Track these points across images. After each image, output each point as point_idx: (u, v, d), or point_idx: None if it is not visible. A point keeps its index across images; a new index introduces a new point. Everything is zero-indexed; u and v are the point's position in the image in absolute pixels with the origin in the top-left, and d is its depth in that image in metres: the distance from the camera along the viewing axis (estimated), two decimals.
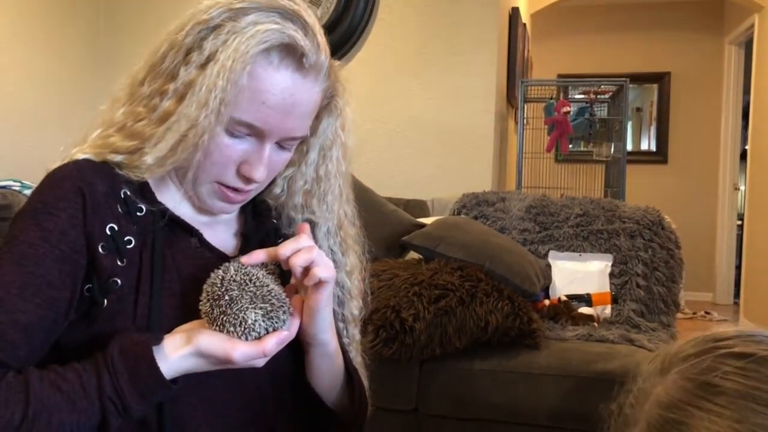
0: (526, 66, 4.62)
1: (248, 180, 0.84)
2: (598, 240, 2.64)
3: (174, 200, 0.88)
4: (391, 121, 3.48)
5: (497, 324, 2.07)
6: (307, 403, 0.91)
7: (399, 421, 2.15)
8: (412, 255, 2.52)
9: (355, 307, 1.00)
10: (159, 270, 0.80)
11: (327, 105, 0.91)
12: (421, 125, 3.43)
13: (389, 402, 2.13)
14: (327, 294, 0.81)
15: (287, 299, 0.77)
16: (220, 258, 0.84)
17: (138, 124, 0.83)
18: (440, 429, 2.12)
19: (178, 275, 0.82)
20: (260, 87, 0.78)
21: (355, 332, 1.01)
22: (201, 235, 0.86)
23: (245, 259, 0.78)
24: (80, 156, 0.84)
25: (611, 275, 2.56)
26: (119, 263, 0.79)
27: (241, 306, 0.73)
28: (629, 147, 5.62)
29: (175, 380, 0.75)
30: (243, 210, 0.95)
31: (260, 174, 0.83)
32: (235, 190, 0.85)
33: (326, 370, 0.89)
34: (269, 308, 0.74)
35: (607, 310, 2.47)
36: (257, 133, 0.81)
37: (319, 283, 0.79)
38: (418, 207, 3.02)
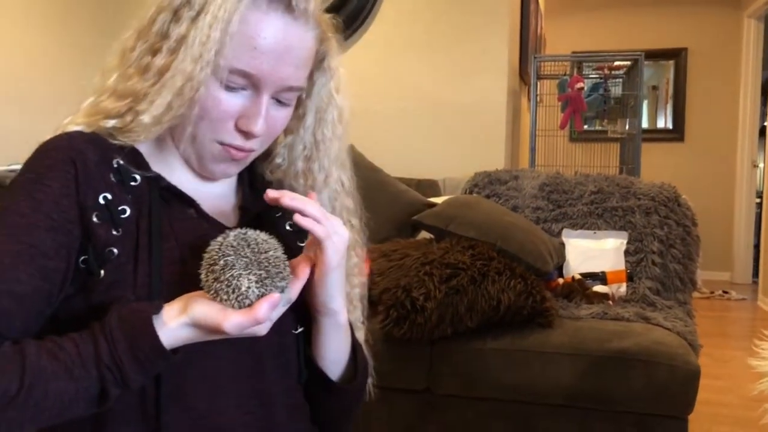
0: (538, 43, 4.55)
1: (247, 134, 0.82)
2: (612, 217, 2.60)
3: (171, 168, 0.86)
4: (402, 100, 3.44)
5: (509, 303, 2.05)
6: (311, 377, 0.89)
7: (410, 401, 2.14)
8: (424, 235, 2.50)
9: (355, 284, 0.97)
10: (157, 237, 0.78)
11: (320, 64, 0.90)
12: (432, 104, 3.39)
13: (400, 382, 2.13)
14: (333, 253, 0.79)
15: (288, 264, 0.74)
16: (218, 229, 0.82)
17: (129, 83, 0.81)
18: (452, 409, 2.10)
19: (177, 243, 0.80)
20: (251, 32, 0.78)
21: (354, 309, 0.99)
22: (199, 205, 0.84)
23: (272, 193, 0.78)
24: (72, 127, 0.82)
25: (626, 253, 2.51)
26: (114, 233, 0.77)
27: (234, 273, 0.70)
28: (645, 125, 5.54)
29: (175, 350, 0.73)
30: (240, 183, 0.93)
31: (259, 127, 0.81)
32: (237, 148, 0.83)
33: (335, 341, 0.88)
34: (264, 275, 0.71)
35: (622, 288, 2.43)
36: (253, 84, 0.80)
37: (326, 243, 0.78)
38: (430, 187, 2.99)
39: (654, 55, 6.49)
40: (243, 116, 0.82)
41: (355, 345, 0.92)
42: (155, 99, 0.78)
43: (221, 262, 0.71)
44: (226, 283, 0.70)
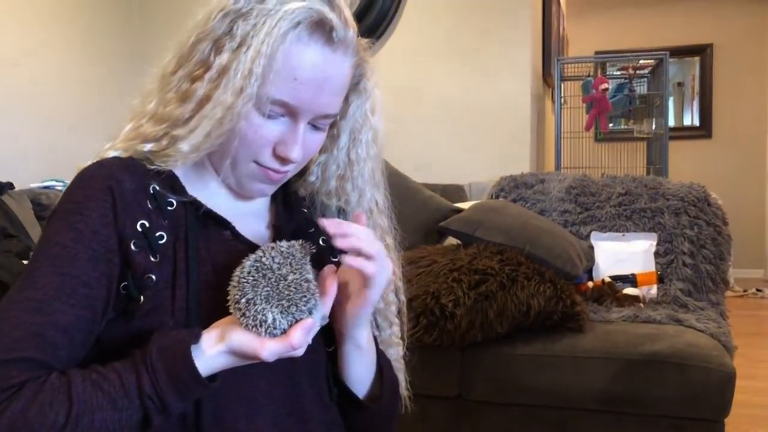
0: (561, 44, 4.53)
1: (284, 161, 0.84)
2: (641, 219, 2.57)
3: (207, 190, 0.87)
4: (425, 106, 3.44)
5: (539, 308, 2.03)
6: (340, 394, 0.90)
7: (442, 408, 2.13)
8: (451, 241, 2.50)
9: (391, 301, 0.98)
10: (194, 263, 0.80)
11: (356, 86, 0.91)
12: (455, 109, 3.38)
13: (432, 389, 2.12)
14: (377, 292, 0.81)
15: (311, 283, 0.75)
16: (252, 250, 0.84)
17: (168, 108, 0.83)
18: (484, 415, 2.09)
19: (213, 267, 0.81)
20: (292, 64, 0.79)
21: (390, 326, 0.99)
22: (234, 227, 0.86)
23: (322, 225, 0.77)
24: (110, 153, 0.84)
25: (656, 254, 2.49)
26: (152, 259, 0.78)
27: (258, 307, 0.72)
28: (671, 123, 5.48)
29: (214, 376, 0.74)
30: (274, 201, 0.95)
31: (296, 154, 0.83)
32: (274, 170, 0.85)
33: (356, 364, 0.89)
34: (286, 303, 0.72)
35: (653, 290, 2.41)
36: (291, 112, 0.81)
37: (374, 281, 0.79)
38: (456, 192, 2.99)
39: (679, 52, 6.41)
40: (281, 143, 0.83)
41: (381, 364, 0.93)
42: (195, 128, 0.80)
43: (243, 300, 0.72)
44: (252, 318, 0.71)
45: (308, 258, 0.79)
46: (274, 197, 0.94)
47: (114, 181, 0.79)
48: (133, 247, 0.77)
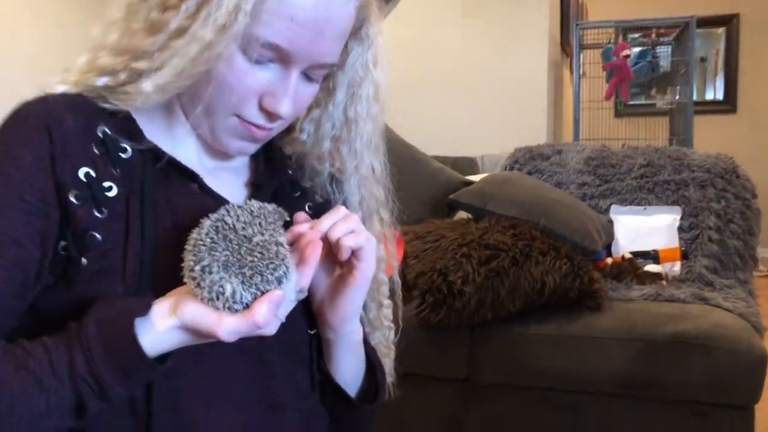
0: (580, 11, 4.35)
1: (272, 115, 0.72)
2: (664, 192, 2.46)
3: (173, 139, 0.75)
4: (436, 74, 3.30)
5: (555, 285, 1.94)
6: (327, 389, 0.79)
7: (450, 391, 2.04)
8: (461, 215, 2.39)
9: (379, 281, 0.87)
10: (150, 219, 0.68)
11: (357, 32, 0.78)
12: (468, 77, 3.24)
13: (439, 370, 2.04)
14: (370, 263, 0.71)
15: (282, 247, 0.62)
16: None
17: (133, 39, 0.70)
18: (494, 398, 2.00)
19: (173, 224, 0.69)
20: (289, 0, 0.66)
21: (379, 306, 0.87)
22: (202, 180, 0.73)
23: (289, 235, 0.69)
24: (59, 88, 0.72)
25: (680, 229, 2.38)
26: (98, 215, 0.66)
27: (214, 276, 0.59)
28: (693, 98, 5.27)
29: (166, 355, 0.62)
30: (254, 157, 0.82)
31: (286, 108, 0.71)
32: (258, 126, 0.73)
33: (346, 362, 0.79)
34: (249, 272, 0.60)
35: (677, 267, 2.29)
36: (283, 58, 0.69)
37: (354, 260, 0.70)
38: (467, 164, 2.88)
39: (703, 23, 6.17)
40: (268, 94, 0.71)
41: (373, 362, 0.82)
42: (162, 65, 0.67)
43: (197, 266, 0.60)
44: (207, 290, 0.59)
45: (281, 223, 0.67)
46: (255, 153, 0.82)
47: (53, 120, 0.67)
48: (74, 199, 0.65)
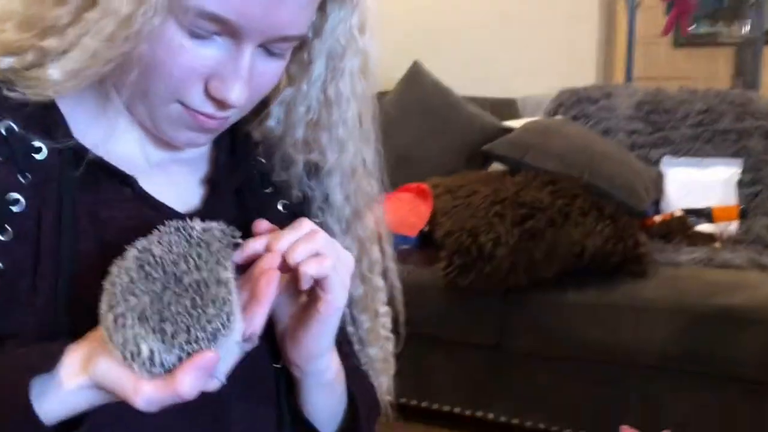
0: None
1: (221, 104, 0.57)
2: (724, 142, 2.28)
3: (109, 126, 0.61)
4: (473, 6, 3.05)
5: (596, 248, 1.81)
6: (295, 421, 0.66)
7: (479, 357, 1.95)
8: (496, 167, 2.23)
9: (376, 287, 0.73)
10: (69, 237, 0.54)
11: None
12: (508, 9, 2.99)
13: (467, 336, 1.95)
14: (340, 291, 0.56)
15: (223, 291, 0.48)
16: (167, 217, 0.57)
17: (41, 7, 0.55)
18: (525, 368, 1.90)
19: (99, 242, 0.56)
20: None
21: (374, 317, 0.74)
22: (135, 182, 0.59)
23: (236, 255, 0.55)
24: None
25: (739, 185, 2.23)
26: (0, 237, 0.53)
27: (128, 333, 0.45)
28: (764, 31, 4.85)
29: (79, 418, 0.50)
30: (216, 144, 0.67)
31: (237, 94, 0.56)
32: (207, 116, 0.59)
33: (323, 401, 0.65)
34: (171, 328, 0.46)
35: (733, 227, 2.14)
36: (231, 31, 0.54)
37: (318, 290, 0.56)
38: (506, 107, 2.68)
39: None
40: (215, 76, 0.56)
41: (355, 397, 0.67)
42: (71, 47, 0.53)
43: (110, 314, 0.46)
44: (121, 347, 0.46)
45: (230, 249, 0.53)
46: (218, 138, 0.67)
47: None
48: None
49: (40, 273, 0.53)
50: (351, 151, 0.68)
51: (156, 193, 0.60)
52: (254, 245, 0.55)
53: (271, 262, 0.54)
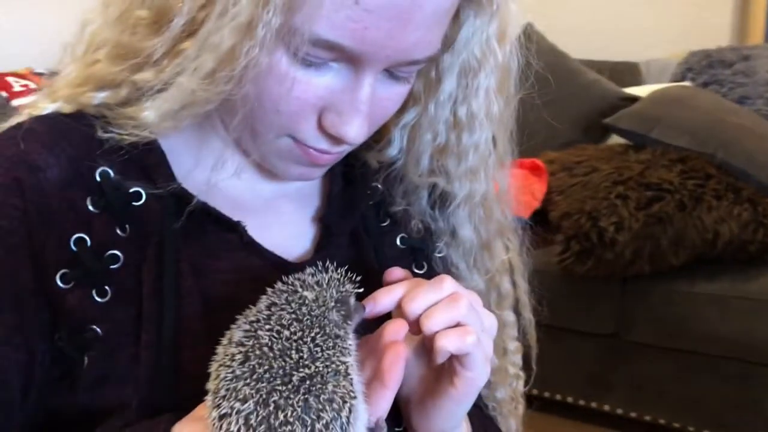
0: None
1: (337, 140, 0.51)
2: None
3: (214, 161, 0.54)
4: None
5: (731, 236, 1.67)
6: None
7: (594, 346, 1.85)
8: (616, 139, 2.08)
9: (505, 323, 0.65)
10: (171, 297, 0.49)
11: None
12: None
13: (583, 324, 1.84)
14: (482, 369, 0.49)
15: (342, 383, 0.42)
16: (276, 268, 0.51)
17: (135, 36, 0.50)
18: (645, 359, 1.78)
19: (204, 305, 0.50)
20: None
21: (503, 354, 0.66)
22: (243, 229, 0.53)
23: (367, 307, 0.48)
24: (47, 108, 0.52)
25: None
26: (97, 298, 0.48)
27: (232, 429, 0.40)
28: None
29: None
30: (330, 171, 0.60)
31: (356, 131, 0.49)
32: (321, 151, 0.52)
33: None
34: (283, 420, 0.40)
35: None
36: (349, 58, 0.47)
37: (457, 365, 0.48)
38: (629, 72, 2.50)
39: None
40: (331, 109, 0.49)
41: None
42: (167, 85, 0.47)
43: (214, 411, 0.40)
44: None
45: (350, 316, 0.45)
46: (331, 169, 0.60)
47: (27, 168, 0.48)
48: (60, 282, 0.48)
49: (144, 342, 0.48)
50: (483, 180, 0.60)
51: (266, 237, 0.54)
52: (384, 302, 0.48)
53: (398, 331, 0.47)
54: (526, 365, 0.72)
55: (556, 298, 1.89)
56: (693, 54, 2.36)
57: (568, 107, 2.22)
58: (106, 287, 0.49)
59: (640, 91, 2.22)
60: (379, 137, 0.60)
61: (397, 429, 0.56)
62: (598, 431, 1.83)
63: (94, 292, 0.48)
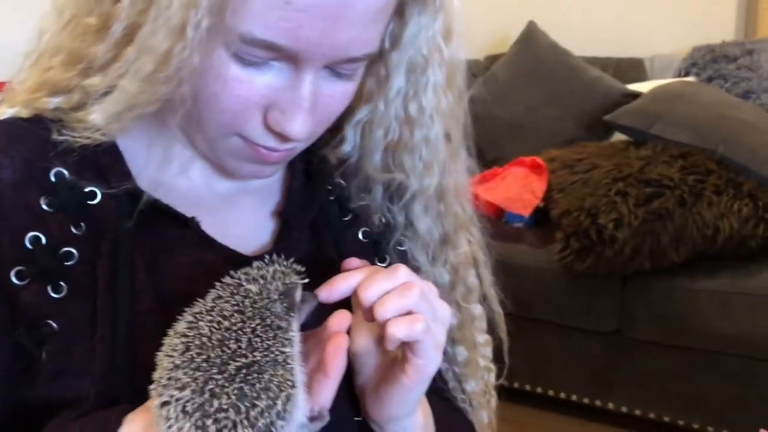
0: None
1: (283, 137, 0.52)
2: None
3: (169, 158, 0.57)
4: None
5: (731, 231, 1.66)
6: None
7: (596, 344, 1.85)
8: (619, 137, 2.07)
9: (473, 316, 0.66)
10: (126, 293, 0.51)
11: None
12: None
13: (585, 321, 1.84)
14: (433, 355, 0.50)
15: (280, 372, 0.43)
16: (231, 262, 0.53)
17: (84, 41, 0.52)
18: (647, 357, 1.78)
19: (158, 300, 0.52)
20: None
21: (472, 348, 0.67)
22: (197, 224, 0.54)
23: (323, 293, 0.49)
24: (6, 112, 0.55)
25: None
26: (53, 294, 0.50)
27: (178, 425, 0.41)
28: None
29: None
30: (291, 167, 0.62)
31: (299, 127, 0.50)
32: (269, 149, 0.53)
33: None
34: (219, 426, 0.41)
35: None
36: (288, 57, 0.48)
37: (408, 353, 0.49)
38: (633, 68, 2.49)
39: None
40: (274, 106, 0.50)
41: None
42: (110, 90, 0.49)
43: (157, 399, 0.42)
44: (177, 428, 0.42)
45: (294, 305, 0.47)
46: (291, 162, 0.61)
47: None
48: (15, 279, 0.49)
49: (99, 336, 0.50)
50: (437, 173, 0.61)
51: (222, 232, 0.55)
52: (341, 287, 0.49)
53: (342, 322, 0.48)
54: (497, 358, 0.72)
55: (558, 296, 1.90)
56: (697, 49, 2.34)
57: (571, 105, 2.22)
58: (62, 283, 0.50)
59: (645, 87, 2.21)
60: (336, 133, 0.61)
61: (356, 419, 0.57)
62: (602, 429, 1.82)
63: (49, 288, 0.50)
